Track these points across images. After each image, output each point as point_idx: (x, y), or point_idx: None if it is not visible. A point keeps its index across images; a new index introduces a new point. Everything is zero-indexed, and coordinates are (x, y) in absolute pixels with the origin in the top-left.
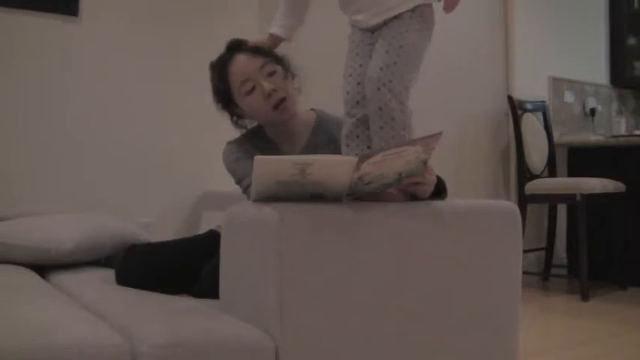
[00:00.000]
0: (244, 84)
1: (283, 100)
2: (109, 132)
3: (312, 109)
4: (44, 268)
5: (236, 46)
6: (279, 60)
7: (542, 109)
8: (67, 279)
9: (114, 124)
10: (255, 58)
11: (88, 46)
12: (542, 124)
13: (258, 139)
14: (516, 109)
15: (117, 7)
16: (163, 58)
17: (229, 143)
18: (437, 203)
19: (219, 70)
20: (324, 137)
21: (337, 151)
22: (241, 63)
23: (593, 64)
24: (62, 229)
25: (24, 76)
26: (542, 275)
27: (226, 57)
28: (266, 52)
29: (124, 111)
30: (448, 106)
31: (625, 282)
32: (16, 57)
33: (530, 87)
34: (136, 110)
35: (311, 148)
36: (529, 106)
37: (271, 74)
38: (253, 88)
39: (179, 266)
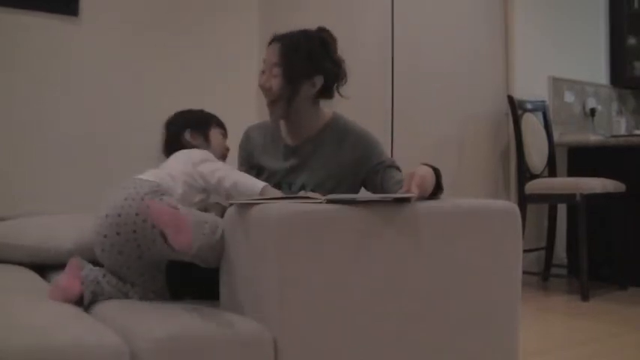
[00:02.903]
0: (263, 61)
1: (270, 102)
2: (109, 132)
3: (333, 112)
4: (44, 268)
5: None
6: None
7: (542, 109)
8: None
9: (114, 124)
10: (275, 54)
11: (88, 46)
12: (542, 124)
13: (270, 132)
14: (516, 109)
15: (117, 8)
16: (164, 58)
17: (246, 131)
18: (437, 203)
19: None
20: (330, 135)
21: (341, 151)
22: (270, 49)
23: (593, 64)
24: (62, 229)
25: (24, 76)
26: (542, 275)
27: (282, 35)
28: (290, 59)
29: (124, 111)
30: (448, 106)
31: (625, 282)
32: (16, 57)
33: (530, 87)
34: (136, 110)
35: (314, 142)
36: (529, 106)
37: (275, 76)
38: (263, 72)
39: (180, 267)
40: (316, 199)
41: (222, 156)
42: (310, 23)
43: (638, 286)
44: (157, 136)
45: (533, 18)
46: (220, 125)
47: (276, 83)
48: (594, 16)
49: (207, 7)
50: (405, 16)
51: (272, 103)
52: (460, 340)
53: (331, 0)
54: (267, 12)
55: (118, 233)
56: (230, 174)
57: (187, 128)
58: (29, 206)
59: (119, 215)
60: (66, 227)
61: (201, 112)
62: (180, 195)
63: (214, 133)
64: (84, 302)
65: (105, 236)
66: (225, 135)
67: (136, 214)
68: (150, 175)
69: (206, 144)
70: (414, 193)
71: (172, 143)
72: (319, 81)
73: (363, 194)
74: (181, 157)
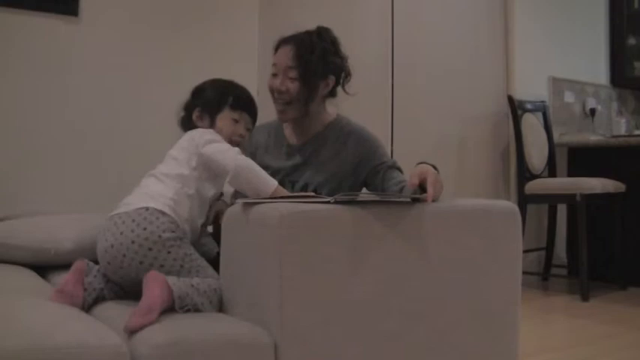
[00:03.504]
0: (273, 65)
1: (284, 104)
2: (109, 132)
3: (337, 113)
4: (44, 268)
5: (298, 38)
6: (312, 75)
7: (542, 109)
8: None
9: (114, 124)
10: (288, 57)
11: (88, 46)
12: (542, 124)
13: (273, 131)
14: (516, 109)
15: (117, 7)
16: (163, 58)
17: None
18: (437, 203)
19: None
20: (333, 135)
21: (343, 151)
22: (281, 51)
23: (593, 64)
24: (62, 229)
25: (24, 76)
26: (542, 275)
27: (290, 38)
28: (306, 61)
29: (124, 111)
30: (448, 106)
31: (625, 282)
32: (16, 57)
33: (530, 87)
34: (136, 110)
35: (317, 141)
36: (529, 106)
37: (291, 78)
38: (275, 74)
39: None
40: (324, 198)
41: (230, 142)
42: (310, 23)
43: (638, 286)
44: (157, 137)
45: (533, 18)
46: (241, 107)
47: (293, 86)
48: (594, 16)
49: (207, 7)
50: (405, 16)
51: (287, 105)
52: (460, 340)
53: (331, 0)
54: (267, 12)
55: (121, 277)
56: (246, 160)
57: (198, 107)
58: (29, 206)
59: (121, 268)
60: (66, 227)
61: (226, 86)
62: (191, 197)
63: (223, 118)
64: (84, 307)
65: (109, 263)
66: (242, 119)
67: (140, 263)
68: (155, 196)
69: (212, 128)
70: (429, 193)
71: (185, 119)
72: (332, 80)
73: (374, 194)
74: (186, 145)
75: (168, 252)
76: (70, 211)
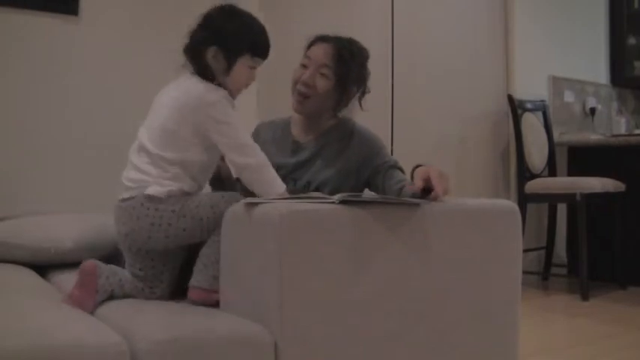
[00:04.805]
0: (305, 57)
1: (304, 96)
2: (110, 132)
3: (343, 115)
4: (44, 268)
5: (340, 40)
6: (346, 80)
7: (542, 108)
8: (66, 279)
9: (114, 124)
10: (327, 55)
11: (88, 46)
12: (542, 123)
13: (280, 128)
14: (516, 108)
15: (117, 7)
16: (164, 58)
17: (256, 127)
18: (437, 203)
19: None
20: (337, 135)
21: (347, 150)
22: (319, 47)
23: (593, 64)
24: (62, 229)
25: (24, 76)
26: (542, 275)
27: (331, 38)
28: (346, 64)
29: (124, 111)
30: (448, 105)
31: (625, 282)
32: (16, 57)
33: (530, 87)
34: (136, 110)
35: (323, 139)
36: (529, 106)
37: (322, 75)
38: (304, 66)
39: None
40: (329, 198)
41: (238, 91)
42: (311, 23)
43: (637, 286)
44: None
45: (533, 18)
46: (261, 55)
47: (321, 83)
48: (594, 16)
49: (208, 6)
50: (405, 15)
51: (306, 99)
52: (460, 340)
53: (331, 0)
54: (268, 12)
55: (147, 252)
56: (259, 160)
57: (215, 45)
58: (29, 206)
59: (126, 235)
60: (66, 227)
61: (246, 25)
62: (193, 174)
63: (242, 65)
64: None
65: (134, 240)
66: (257, 66)
67: (151, 224)
68: (155, 183)
69: (225, 74)
70: (437, 188)
71: (194, 53)
72: (355, 91)
73: (379, 197)
74: (188, 115)
75: (172, 210)
76: (70, 211)
